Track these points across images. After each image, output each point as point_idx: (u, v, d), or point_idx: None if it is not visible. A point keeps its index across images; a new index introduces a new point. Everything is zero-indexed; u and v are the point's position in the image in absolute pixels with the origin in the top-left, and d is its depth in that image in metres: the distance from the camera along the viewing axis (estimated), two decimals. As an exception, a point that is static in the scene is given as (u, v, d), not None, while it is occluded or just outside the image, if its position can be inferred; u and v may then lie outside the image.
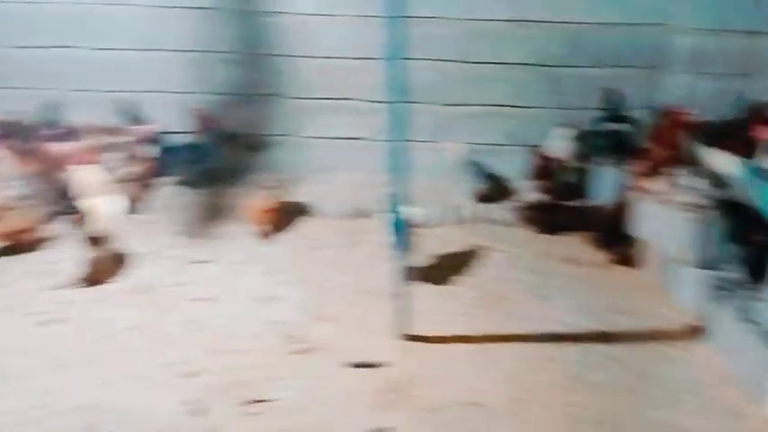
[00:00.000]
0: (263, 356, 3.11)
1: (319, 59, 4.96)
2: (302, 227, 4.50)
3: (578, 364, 3.09)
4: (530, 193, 4.72)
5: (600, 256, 4.16)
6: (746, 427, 2.71)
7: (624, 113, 4.61)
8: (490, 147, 5.08)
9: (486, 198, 4.73)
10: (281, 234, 4.36)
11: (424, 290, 3.61)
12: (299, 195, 4.74)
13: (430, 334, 3.24)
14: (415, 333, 3.21)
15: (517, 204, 4.64)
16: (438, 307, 3.52)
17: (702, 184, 3.55)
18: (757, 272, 3.29)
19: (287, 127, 5.16)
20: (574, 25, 4.86)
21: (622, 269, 4.02)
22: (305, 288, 3.70)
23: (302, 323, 3.37)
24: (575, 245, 4.31)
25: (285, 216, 4.48)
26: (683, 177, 3.61)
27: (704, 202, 3.49)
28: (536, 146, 4.88)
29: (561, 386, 2.92)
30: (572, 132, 4.78)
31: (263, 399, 2.81)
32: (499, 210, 4.65)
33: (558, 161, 4.72)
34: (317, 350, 3.16)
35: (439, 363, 3.06)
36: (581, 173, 4.69)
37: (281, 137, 5.15)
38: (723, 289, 3.30)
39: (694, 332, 3.31)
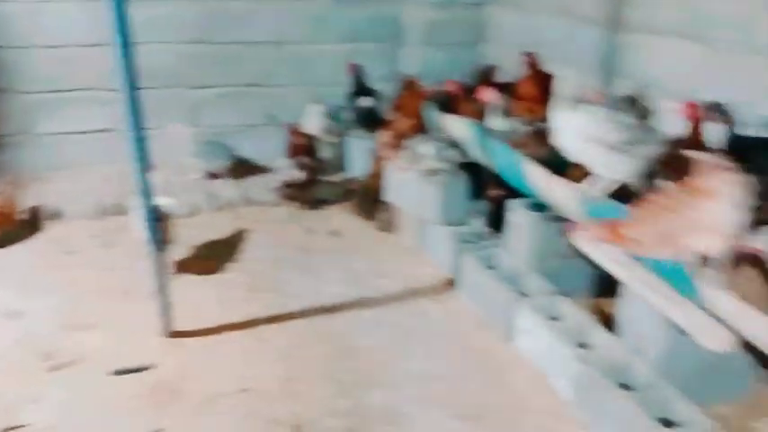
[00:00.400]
0: (16, 378, 2.82)
1: (52, 49, 4.57)
2: (49, 231, 4.13)
3: (348, 332, 3.20)
4: (289, 170, 4.75)
5: (361, 225, 4.32)
6: (497, 363, 3.00)
7: (370, 87, 4.81)
8: (245, 127, 5.06)
9: (233, 177, 4.72)
10: (25, 241, 3.97)
11: (190, 282, 3.52)
12: (42, 197, 4.34)
13: (199, 327, 3.16)
14: (183, 328, 3.11)
15: (277, 183, 4.65)
16: (206, 297, 3.44)
17: (442, 148, 3.81)
18: (496, 223, 3.64)
19: (21, 125, 4.69)
20: (315, 2, 4.95)
21: (383, 235, 4.22)
22: (58, 297, 3.41)
23: (58, 335, 3.11)
24: (337, 217, 4.43)
25: (26, 221, 4.09)
26: (426, 144, 3.84)
27: (445, 165, 3.77)
28: (291, 124, 4.93)
29: (332, 357, 3.01)
30: (325, 108, 4.90)
31: (17, 425, 2.56)
32: (259, 190, 4.63)
33: (314, 137, 4.82)
34: (78, 362, 2.94)
35: (209, 355, 3.00)
36: (336, 147, 4.83)
37: (15, 136, 4.68)
38: (468, 242, 3.61)
39: (448, 285, 3.58)
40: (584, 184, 2.96)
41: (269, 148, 4.95)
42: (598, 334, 2.81)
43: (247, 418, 2.62)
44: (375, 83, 4.89)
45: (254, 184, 4.71)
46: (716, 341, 2.37)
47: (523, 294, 3.12)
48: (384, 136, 4.17)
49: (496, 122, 3.66)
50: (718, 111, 2.86)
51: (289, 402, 2.71)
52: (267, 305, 3.39)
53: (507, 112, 3.69)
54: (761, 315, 2.22)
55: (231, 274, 3.72)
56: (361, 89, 4.78)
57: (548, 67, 3.86)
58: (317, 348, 3.07)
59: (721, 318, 2.35)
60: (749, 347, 2.37)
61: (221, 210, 4.47)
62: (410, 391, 2.80)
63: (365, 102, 4.75)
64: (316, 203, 4.54)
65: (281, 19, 4.96)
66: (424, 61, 5.01)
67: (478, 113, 3.84)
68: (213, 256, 3.86)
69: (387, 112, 4.50)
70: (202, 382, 2.81)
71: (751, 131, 2.90)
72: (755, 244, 2.52)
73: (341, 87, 4.87)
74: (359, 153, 4.62)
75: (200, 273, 3.67)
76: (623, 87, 3.73)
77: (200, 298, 3.40)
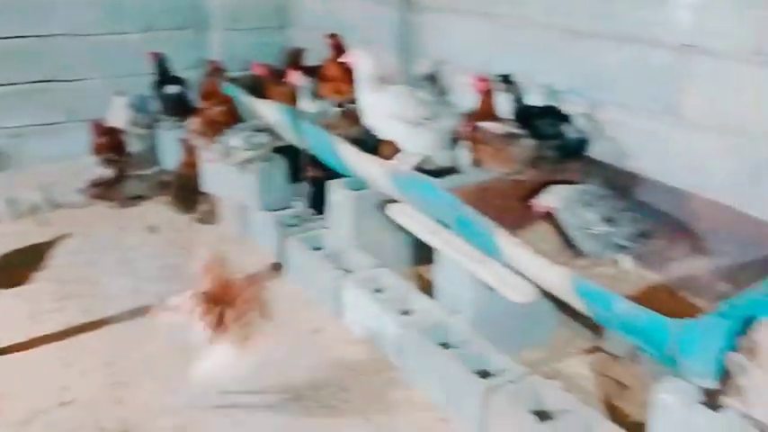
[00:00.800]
0: None
1: None
2: None
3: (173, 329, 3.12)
4: (96, 168, 4.49)
5: (180, 218, 4.20)
6: (328, 341, 3.07)
7: (175, 75, 4.65)
8: (44, 126, 4.73)
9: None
10: None
11: (-6, 296, 3.28)
12: None
13: (9, 343, 2.95)
14: (-9, 347, 2.90)
15: (84, 183, 4.38)
16: (15, 311, 3.21)
17: (252, 136, 3.78)
18: (318, 204, 3.70)
19: None
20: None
21: (205, 227, 4.13)
22: None
23: None
24: (153, 213, 4.28)
25: None
26: (234, 136, 3.79)
27: (257, 153, 3.75)
28: (95, 119, 4.65)
29: (158, 356, 2.92)
30: (130, 100, 4.68)
31: None
32: (65, 192, 4.34)
33: (121, 131, 4.58)
34: None
35: (23, 372, 2.81)
36: (146, 139, 4.64)
37: None
38: (292, 225, 3.64)
39: (275, 270, 3.60)
40: (393, 161, 3.09)
41: (72, 147, 4.63)
42: (419, 300, 2.97)
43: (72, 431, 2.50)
44: (181, 70, 4.73)
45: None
46: (520, 293, 2.60)
47: (348, 271, 3.21)
48: (194, 124, 4.05)
49: (307, 105, 3.71)
50: (505, 82, 3.10)
51: (115, 408, 2.61)
52: (83, 311, 3.22)
53: (316, 94, 3.74)
54: (555, 266, 2.46)
55: (40, 284, 3.48)
56: (167, 77, 4.60)
57: (350, 48, 3.95)
58: (142, 349, 2.97)
59: (522, 271, 2.58)
60: (549, 296, 2.62)
61: (24, 216, 4.16)
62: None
63: (172, 90, 4.58)
64: (128, 200, 4.34)
65: (74, 9, 4.66)
66: (229, 46, 4.94)
67: (289, 97, 3.87)
68: (18, 266, 3.60)
69: (196, 100, 4.39)
70: (18, 402, 2.63)
71: (535, 100, 3.17)
72: (548, 202, 2.79)
73: (145, 77, 4.66)
74: (170, 143, 4.46)
75: (4, 286, 3.41)
76: (422, 66, 3.92)
77: (7, 312, 3.18)
